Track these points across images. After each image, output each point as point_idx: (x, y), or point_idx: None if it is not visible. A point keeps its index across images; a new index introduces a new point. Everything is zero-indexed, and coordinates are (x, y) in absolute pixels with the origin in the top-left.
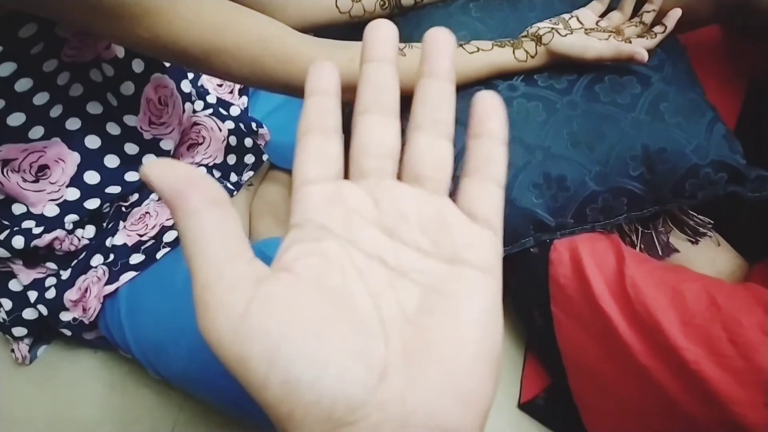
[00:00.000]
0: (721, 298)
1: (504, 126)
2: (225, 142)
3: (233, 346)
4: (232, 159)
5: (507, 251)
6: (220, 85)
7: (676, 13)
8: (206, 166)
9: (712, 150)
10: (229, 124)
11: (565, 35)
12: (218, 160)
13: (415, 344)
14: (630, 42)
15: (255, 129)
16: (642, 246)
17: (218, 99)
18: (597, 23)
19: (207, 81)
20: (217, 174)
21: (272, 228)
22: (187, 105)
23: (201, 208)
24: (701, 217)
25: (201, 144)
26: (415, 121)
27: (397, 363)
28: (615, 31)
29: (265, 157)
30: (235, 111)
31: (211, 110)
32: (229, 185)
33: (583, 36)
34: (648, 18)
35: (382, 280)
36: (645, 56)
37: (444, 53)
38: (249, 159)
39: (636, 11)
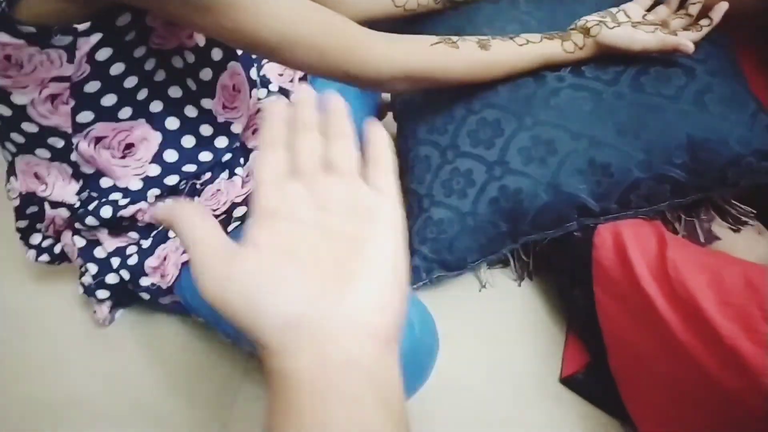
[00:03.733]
0: (758, 281)
1: (383, 136)
2: None
3: (218, 292)
4: None
5: (551, 234)
6: (281, 75)
7: (722, 6)
8: None
9: (754, 140)
10: None
11: (613, 28)
12: None
13: (343, 276)
14: (676, 35)
15: None
16: (685, 233)
17: (280, 87)
18: (644, 17)
19: (269, 70)
20: None
21: None
22: (254, 92)
23: (190, 215)
24: (744, 206)
25: None
26: (329, 132)
27: (330, 289)
28: (661, 24)
29: None
30: None
31: (273, 98)
32: None
33: (630, 28)
34: (694, 10)
35: (317, 238)
36: (690, 48)
37: (336, 101)
38: None
39: (683, 5)
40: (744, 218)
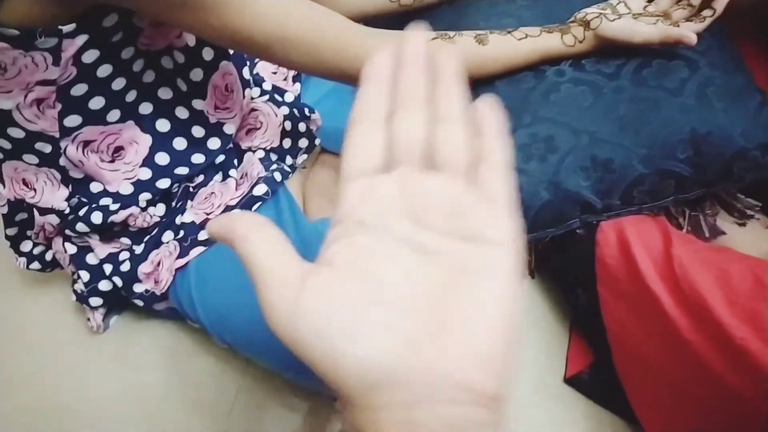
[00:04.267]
0: (767, 278)
1: (499, 120)
2: (281, 127)
3: (289, 330)
4: (287, 143)
5: (553, 232)
6: (275, 73)
7: None
8: (264, 149)
9: (760, 133)
10: (284, 110)
11: (613, 20)
12: (275, 144)
13: (441, 317)
14: (678, 26)
15: (308, 114)
16: (689, 228)
17: (273, 86)
18: (644, 8)
19: (262, 69)
20: (274, 157)
21: (324, 208)
22: (247, 91)
23: (248, 233)
24: (749, 199)
25: (259, 129)
26: (437, 114)
27: (424, 334)
28: (663, 15)
29: (317, 141)
30: (289, 97)
31: (267, 97)
32: (285, 167)
33: (630, 20)
34: (696, 1)
35: (411, 262)
36: (693, 39)
37: (451, 58)
38: (303, 143)
39: None
40: (749, 212)
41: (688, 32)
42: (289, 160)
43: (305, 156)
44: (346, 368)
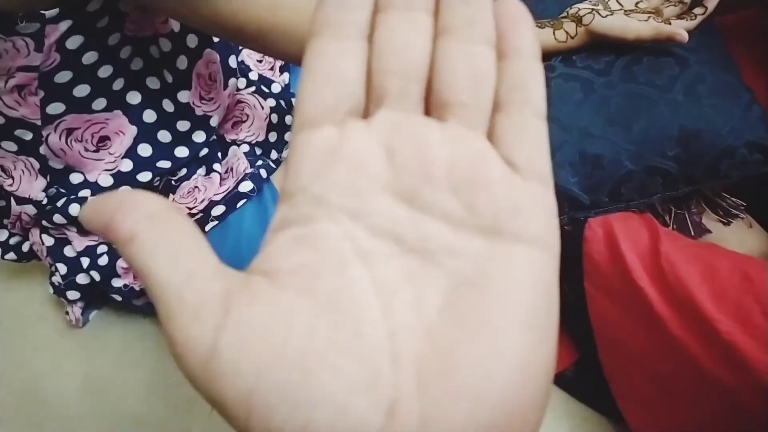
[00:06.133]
0: (754, 274)
1: (534, 37)
2: (267, 120)
3: (206, 386)
4: (273, 137)
5: None
6: (260, 62)
7: None
8: (249, 143)
9: (747, 131)
10: (271, 102)
11: (606, 16)
12: (260, 138)
13: (436, 364)
14: (669, 23)
15: None
16: (674, 226)
17: (260, 76)
18: (636, 4)
19: (247, 57)
20: (258, 151)
21: None
22: (232, 81)
23: (136, 230)
24: (734, 199)
25: (245, 122)
26: (443, 23)
27: (410, 393)
28: (654, 12)
29: None
30: (276, 88)
31: (253, 88)
32: (270, 163)
33: (623, 17)
34: None
35: (397, 271)
36: (685, 37)
37: None
38: (289, 136)
39: None
40: (734, 211)
41: (680, 29)
42: (274, 154)
43: None
44: None
